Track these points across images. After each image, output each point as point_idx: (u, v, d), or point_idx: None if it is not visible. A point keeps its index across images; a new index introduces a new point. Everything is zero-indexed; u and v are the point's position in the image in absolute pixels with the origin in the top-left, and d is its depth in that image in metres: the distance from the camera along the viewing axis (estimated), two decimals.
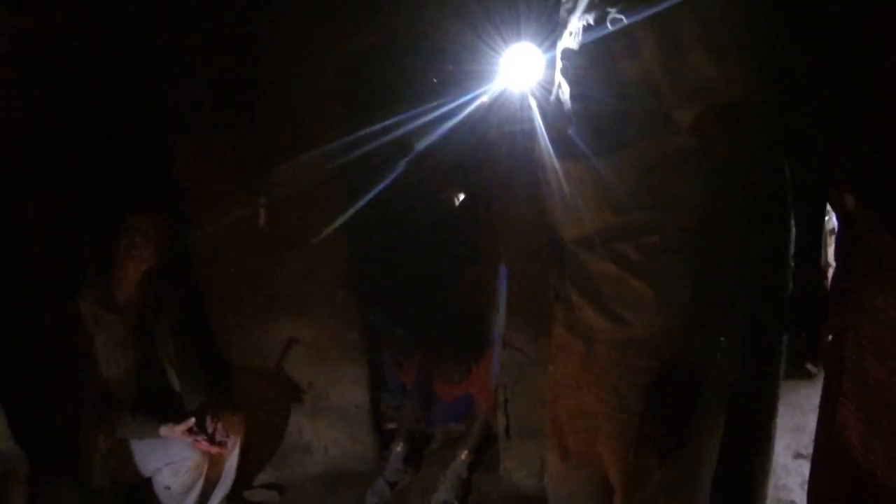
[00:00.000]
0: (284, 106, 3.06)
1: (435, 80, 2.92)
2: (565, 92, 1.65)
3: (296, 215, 3.18)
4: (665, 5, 1.45)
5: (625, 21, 1.50)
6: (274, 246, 3.21)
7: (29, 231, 2.44)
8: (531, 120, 1.81)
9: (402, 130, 2.88)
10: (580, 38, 1.59)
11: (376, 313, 3.73)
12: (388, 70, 3.24)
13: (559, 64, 1.68)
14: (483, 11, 2.16)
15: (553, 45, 1.73)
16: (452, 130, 2.78)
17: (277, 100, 3.05)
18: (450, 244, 3.70)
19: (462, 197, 3.79)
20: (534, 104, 1.80)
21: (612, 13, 1.51)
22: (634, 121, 1.56)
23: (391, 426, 3.64)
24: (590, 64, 1.59)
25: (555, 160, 1.72)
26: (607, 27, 1.52)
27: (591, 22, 1.55)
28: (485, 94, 2.30)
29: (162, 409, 2.87)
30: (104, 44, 2.77)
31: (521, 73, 1.91)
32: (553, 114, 1.72)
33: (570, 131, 1.65)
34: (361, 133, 2.99)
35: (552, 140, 1.74)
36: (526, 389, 3.07)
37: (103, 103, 2.80)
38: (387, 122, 2.91)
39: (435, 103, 2.62)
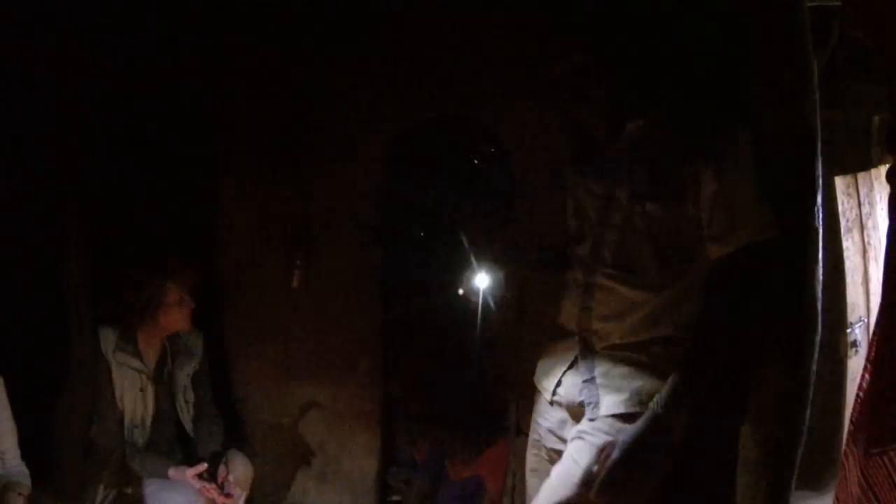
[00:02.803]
0: (330, 169, 3.25)
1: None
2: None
3: (328, 279, 3.30)
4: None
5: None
6: (302, 307, 3.32)
7: (66, 258, 2.59)
8: None
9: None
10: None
11: (396, 386, 3.77)
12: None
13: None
14: None
15: None
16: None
17: (324, 162, 3.24)
18: (478, 329, 3.75)
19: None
20: None
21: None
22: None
23: (395, 499, 3.62)
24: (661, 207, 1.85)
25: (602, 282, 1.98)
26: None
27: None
28: None
29: (174, 452, 2.95)
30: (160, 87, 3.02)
31: None
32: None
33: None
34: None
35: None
36: None
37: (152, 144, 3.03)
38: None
39: None
